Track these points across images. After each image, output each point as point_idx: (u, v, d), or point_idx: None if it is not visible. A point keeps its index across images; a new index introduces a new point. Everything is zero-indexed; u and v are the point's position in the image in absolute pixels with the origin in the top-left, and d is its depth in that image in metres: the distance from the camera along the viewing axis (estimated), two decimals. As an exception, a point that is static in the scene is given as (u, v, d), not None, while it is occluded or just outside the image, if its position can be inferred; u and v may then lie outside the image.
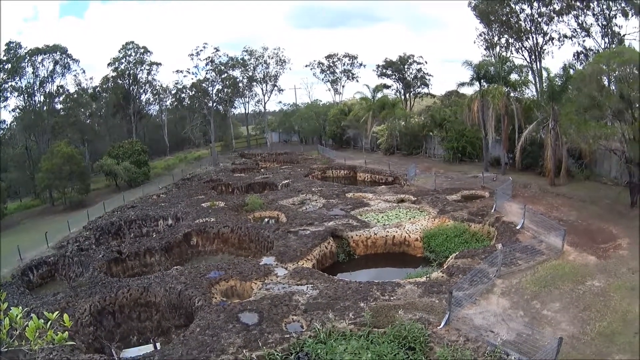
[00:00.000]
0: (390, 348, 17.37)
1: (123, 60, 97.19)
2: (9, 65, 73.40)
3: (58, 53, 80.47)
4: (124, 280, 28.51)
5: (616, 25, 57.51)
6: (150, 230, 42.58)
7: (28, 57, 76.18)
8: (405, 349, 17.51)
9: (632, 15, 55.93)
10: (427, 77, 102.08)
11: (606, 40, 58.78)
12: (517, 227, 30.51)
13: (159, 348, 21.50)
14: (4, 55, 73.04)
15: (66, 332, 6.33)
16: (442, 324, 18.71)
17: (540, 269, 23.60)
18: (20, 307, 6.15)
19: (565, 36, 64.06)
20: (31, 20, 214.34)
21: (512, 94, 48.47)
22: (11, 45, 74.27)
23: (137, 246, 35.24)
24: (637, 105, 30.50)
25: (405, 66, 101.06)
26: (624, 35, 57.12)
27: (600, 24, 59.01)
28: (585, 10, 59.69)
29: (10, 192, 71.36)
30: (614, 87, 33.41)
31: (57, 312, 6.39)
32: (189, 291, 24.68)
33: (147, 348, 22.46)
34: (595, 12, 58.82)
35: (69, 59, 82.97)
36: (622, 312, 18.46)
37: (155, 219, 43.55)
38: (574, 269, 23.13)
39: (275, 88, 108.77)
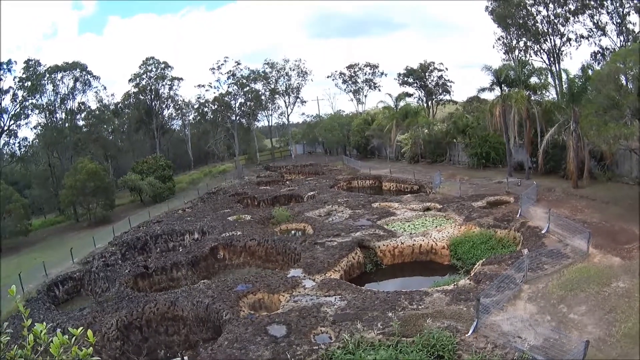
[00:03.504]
0: (419, 357, 17.52)
1: (144, 76, 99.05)
2: (29, 83, 74.25)
3: (78, 70, 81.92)
4: (151, 294, 28.91)
5: (630, 22, 57.26)
6: (177, 245, 42.91)
7: (48, 75, 77.34)
8: (434, 357, 17.64)
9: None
10: (449, 84, 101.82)
11: (622, 38, 58.47)
12: (543, 232, 30.51)
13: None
14: (23, 73, 74.10)
15: (91, 348, 6.63)
16: (470, 331, 18.86)
17: (566, 273, 23.64)
18: (45, 323, 6.23)
19: (582, 36, 63.83)
20: (50, 37, 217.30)
21: (532, 97, 48.45)
22: (30, 62, 75.27)
23: (163, 261, 35.66)
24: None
25: (426, 73, 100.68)
26: (638, 33, 56.79)
27: (614, 22, 58.76)
28: (599, 9, 59.47)
29: (34, 208, 72.30)
30: (631, 86, 33.26)
31: (81, 328, 6.55)
32: (216, 305, 24.91)
33: (175, 362, 22.91)
34: (609, 11, 58.57)
35: (89, 76, 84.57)
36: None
37: (181, 234, 43.89)
38: (599, 271, 23.12)
39: (298, 100, 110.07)
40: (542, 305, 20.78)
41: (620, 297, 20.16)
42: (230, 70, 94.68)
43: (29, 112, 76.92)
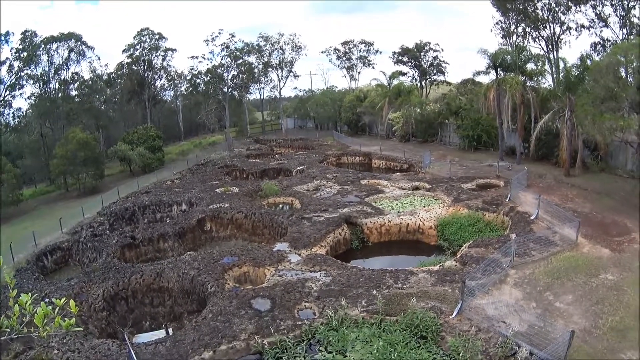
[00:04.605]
0: (402, 336, 17.47)
1: (138, 47, 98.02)
2: (25, 54, 74.73)
3: (73, 40, 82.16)
4: (137, 265, 28.73)
5: (635, 16, 56.70)
6: (164, 216, 42.69)
7: (43, 45, 77.64)
8: (417, 337, 17.61)
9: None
10: (443, 65, 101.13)
11: (624, 31, 57.89)
12: (532, 218, 30.43)
13: (171, 333, 21.70)
14: (20, 44, 74.58)
15: (73, 319, 6.41)
16: (455, 313, 18.76)
17: (553, 260, 23.54)
18: (30, 294, 6.20)
19: (582, 26, 63.08)
20: (47, 8, 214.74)
21: (528, 84, 48.14)
22: (27, 34, 75.70)
23: (150, 232, 35.34)
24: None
25: (422, 53, 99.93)
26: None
27: (618, 15, 58.20)
28: (603, 0, 58.94)
29: (25, 178, 71.95)
30: (631, 79, 33.05)
31: (64, 298, 6.48)
32: (202, 277, 24.82)
33: (160, 333, 22.69)
34: (613, 3, 58.03)
35: (83, 46, 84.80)
36: (635, 307, 18.32)
37: (169, 205, 43.64)
38: (588, 261, 23.05)
39: (291, 74, 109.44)
40: (528, 292, 20.68)
41: (609, 289, 20.08)
42: (224, 43, 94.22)
43: (24, 82, 77.26)
